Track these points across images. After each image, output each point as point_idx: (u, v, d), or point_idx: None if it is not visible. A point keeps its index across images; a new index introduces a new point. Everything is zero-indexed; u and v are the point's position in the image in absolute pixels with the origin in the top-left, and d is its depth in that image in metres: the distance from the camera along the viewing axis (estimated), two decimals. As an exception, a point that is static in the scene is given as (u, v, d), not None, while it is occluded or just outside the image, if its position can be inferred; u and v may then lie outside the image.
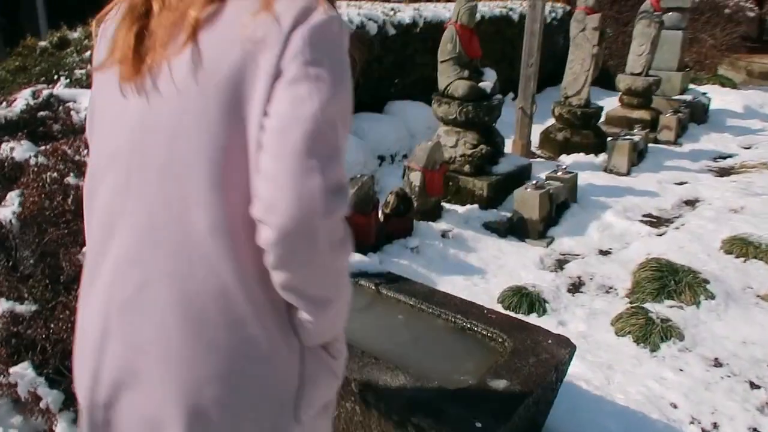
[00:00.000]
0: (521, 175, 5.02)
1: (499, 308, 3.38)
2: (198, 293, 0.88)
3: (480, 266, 3.96)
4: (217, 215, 0.86)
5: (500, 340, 2.11)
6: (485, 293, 3.57)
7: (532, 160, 5.93)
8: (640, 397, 2.64)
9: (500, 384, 1.83)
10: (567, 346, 2.06)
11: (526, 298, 3.35)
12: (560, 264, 4.11)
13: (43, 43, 5.04)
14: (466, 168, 4.72)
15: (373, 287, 2.48)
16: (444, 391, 1.80)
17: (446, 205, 4.61)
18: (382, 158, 5.64)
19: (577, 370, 2.81)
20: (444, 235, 4.14)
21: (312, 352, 0.99)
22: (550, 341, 2.08)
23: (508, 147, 5.88)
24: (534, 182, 4.42)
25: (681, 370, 2.86)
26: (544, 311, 3.33)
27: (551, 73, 8.82)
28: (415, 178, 4.20)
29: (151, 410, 0.92)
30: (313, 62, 0.83)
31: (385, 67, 6.58)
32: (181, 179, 0.87)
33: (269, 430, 0.95)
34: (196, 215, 0.86)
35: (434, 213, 4.35)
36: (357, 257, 2.65)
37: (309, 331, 0.95)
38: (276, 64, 0.83)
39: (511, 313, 3.30)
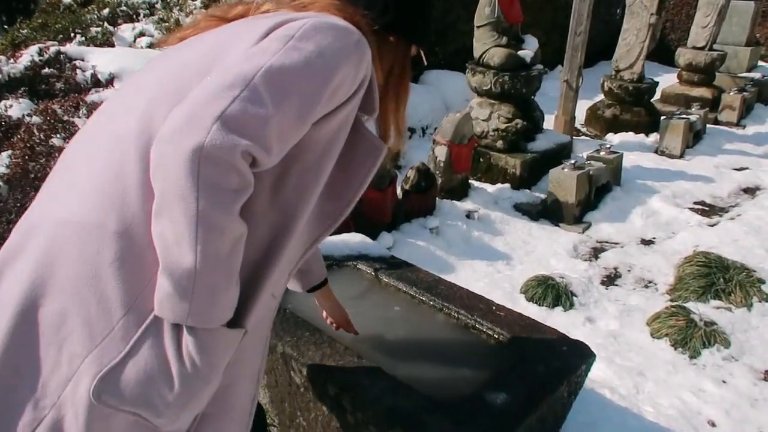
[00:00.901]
0: (560, 154, 4.63)
1: (521, 299, 3.09)
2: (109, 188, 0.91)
3: (506, 251, 3.65)
4: (140, 121, 0.92)
5: (507, 342, 1.83)
6: (508, 281, 3.27)
7: (575, 138, 5.52)
8: (673, 411, 2.32)
9: (498, 397, 1.55)
10: (585, 355, 1.76)
11: (552, 290, 3.04)
12: (596, 253, 3.76)
13: (67, 0, 4.92)
14: (499, 144, 4.37)
15: (372, 272, 2.22)
16: (431, 402, 1.54)
17: (474, 183, 4.30)
18: (412, 131, 5.33)
19: (602, 375, 2.51)
20: (469, 215, 3.84)
21: (155, 331, 0.88)
22: (565, 347, 1.78)
23: (550, 123, 5.48)
24: (572, 162, 4.05)
25: (724, 381, 2.51)
26: (571, 305, 3.01)
27: (605, 45, 8.24)
28: (441, 152, 3.89)
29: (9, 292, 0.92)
30: (300, 38, 0.90)
31: (423, 34, 6.22)
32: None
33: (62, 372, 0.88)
34: (129, 122, 0.94)
35: (460, 191, 4.05)
36: (358, 237, 2.39)
37: (158, 288, 0.87)
38: (272, 26, 0.92)
39: (534, 306, 3.01)
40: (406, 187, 3.55)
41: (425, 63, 1.23)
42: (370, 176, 1.15)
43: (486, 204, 4.06)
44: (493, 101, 4.43)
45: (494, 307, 1.99)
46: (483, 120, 4.38)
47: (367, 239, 2.39)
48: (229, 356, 0.95)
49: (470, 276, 3.31)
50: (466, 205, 3.94)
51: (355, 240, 2.38)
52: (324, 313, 1.80)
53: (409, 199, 3.57)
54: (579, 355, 1.75)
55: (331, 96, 0.92)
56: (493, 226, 3.88)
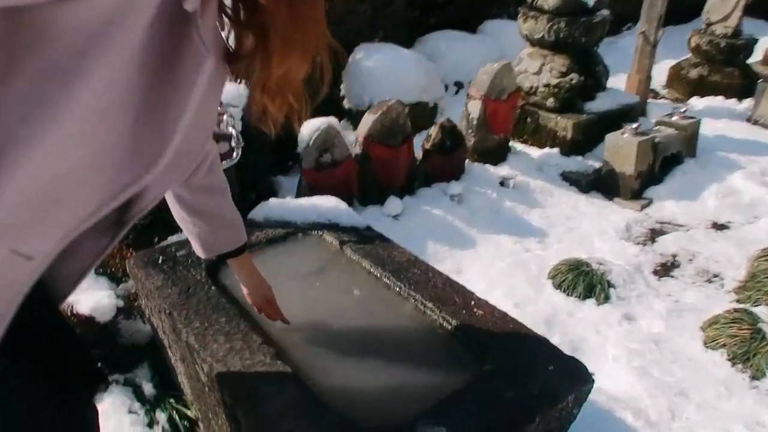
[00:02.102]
0: (625, 117, 3.96)
1: (548, 285, 2.59)
2: None
3: (541, 227, 3.13)
4: None
5: (477, 352, 1.39)
6: (536, 263, 2.77)
7: (650, 101, 4.79)
8: (717, 448, 1.80)
9: (436, 433, 1.13)
10: (577, 380, 1.29)
11: (585, 278, 2.52)
12: (653, 235, 3.16)
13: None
14: (550, 101, 3.77)
15: (337, 244, 1.82)
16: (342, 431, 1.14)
17: (517, 146, 3.75)
18: (459, 85, 4.79)
19: (629, 390, 2.01)
20: (503, 182, 3.32)
21: None
22: (552, 367, 1.32)
23: (621, 82, 4.76)
24: (634, 126, 3.41)
25: (793, 414, 1.95)
26: (607, 298, 2.48)
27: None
28: (474, 108, 3.36)
29: None
30: None
31: (485, -21, 5.59)
32: None
33: None
34: None
35: (496, 154, 3.52)
36: (332, 202, 1.98)
37: None
38: None
39: (561, 295, 2.52)
40: (427, 146, 3.08)
41: None
42: (193, 98, 0.75)
43: (527, 170, 3.52)
44: (545, 52, 3.81)
45: (473, 302, 1.54)
46: (533, 73, 3.78)
47: (342, 204, 1.97)
48: None
49: (492, 253, 2.83)
50: (502, 170, 3.42)
51: (327, 204, 1.97)
52: (245, 291, 1.43)
53: (430, 161, 3.10)
54: (569, 379, 1.29)
55: None
56: (531, 196, 3.35)
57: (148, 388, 1.78)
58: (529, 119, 3.85)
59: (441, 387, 1.28)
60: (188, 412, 1.71)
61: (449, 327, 1.47)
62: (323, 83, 0.90)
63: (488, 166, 3.38)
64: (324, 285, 1.68)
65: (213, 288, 1.57)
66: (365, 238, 1.85)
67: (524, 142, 3.88)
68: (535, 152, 3.75)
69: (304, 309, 1.56)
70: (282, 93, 0.90)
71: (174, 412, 1.71)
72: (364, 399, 1.27)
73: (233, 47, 0.88)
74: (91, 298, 1.71)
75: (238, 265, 1.39)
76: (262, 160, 2.88)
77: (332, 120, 2.61)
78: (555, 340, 2.22)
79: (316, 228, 1.90)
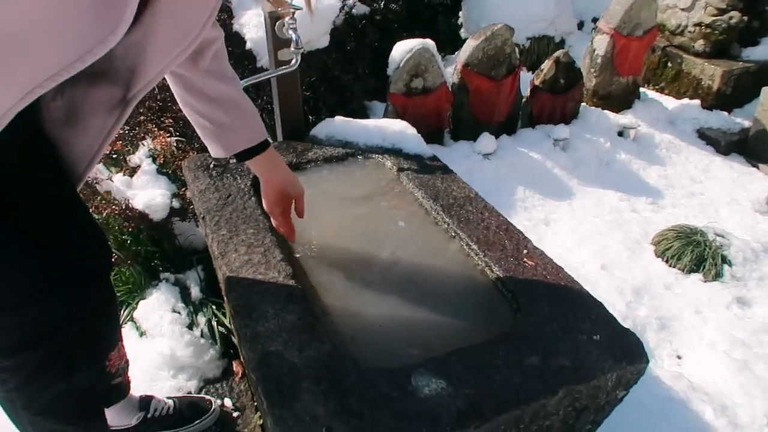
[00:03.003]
0: (794, 70, 3.29)
1: (648, 251, 2.27)
2: None
3: (658, 187, 2.73)
4: None
5: (514, 306, 1.20)
6: (640, 225, 2.43)
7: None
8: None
9: (429, 385, 0.98)
10: (624, 359, 1.06)
11: (695, 249, 2.16)
12: (799, 212, 2.64)
13: None
14: (699, 44, 3.21)
15: (395, 170, 1.67)
16: (330, 366, 1.03)
17: (649, 93, 3.27)
18: (594, 20, 4.26)
19: (719, 383, 1.72)
20: (622, 132, 2.93)
21: None
22: (598, 337, 1.10)
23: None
24: (802, 79, 2.81)
25: None
26: (718, 275, 2.11)
27: None
28: (600, 43, 2.95)
29: None
30: None
31: None
32: None
33: None
34: None
35: (620, 99, 3.10)
36: (400, 125, 1.82)
37: None
38: None
39: (662, 265, 2.20)
40: (537, 82, 2.76)
41: None
42: None
43: (655, 122, 3.07)
44: (702, -17, 3.22)
45: (525, 251, 1.33)
46: (682, 9, 3.23)
47: (410, 129, 1.81)
48: None
49: (589, 208, 2.52)
50: (624, 118, 3.00)
51: (393, 128, 1.81)
52: (263, 192, 1.33)
53: (537, 99, 2.79)
54: (614, 355, 1.06)
55: None
56: (653, 151, 2.93)
57: (195, 291, 1.79)
58: (669, 63, 3.33)
59: (459, 338, 1.13)
60: (225, 321, 1.71)
61: (490, 274, 1.29)
62: None
63: (608, 113, 2.98)
64: (369, 212, 1.55)
65: (252, 199, 1.51)
66: (427, 167, 1.68)
67: (659, 90, 3.39)
68: (670, 102, 3.26)
69: (340, 234, 1.46)
70: None
71: (213, 318, 1.71)
72: (368, 335, 1.15)
73: None
74: (147, 195, 1.73)
75: (259, 167, 1.28)
76: (356, 82, 2.76)
77: (428, 42, 2.40)
78: (641, 312, 1.94)
79: (377, 152, 1.76)
